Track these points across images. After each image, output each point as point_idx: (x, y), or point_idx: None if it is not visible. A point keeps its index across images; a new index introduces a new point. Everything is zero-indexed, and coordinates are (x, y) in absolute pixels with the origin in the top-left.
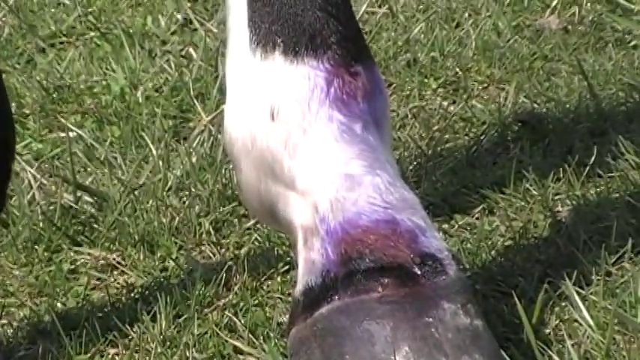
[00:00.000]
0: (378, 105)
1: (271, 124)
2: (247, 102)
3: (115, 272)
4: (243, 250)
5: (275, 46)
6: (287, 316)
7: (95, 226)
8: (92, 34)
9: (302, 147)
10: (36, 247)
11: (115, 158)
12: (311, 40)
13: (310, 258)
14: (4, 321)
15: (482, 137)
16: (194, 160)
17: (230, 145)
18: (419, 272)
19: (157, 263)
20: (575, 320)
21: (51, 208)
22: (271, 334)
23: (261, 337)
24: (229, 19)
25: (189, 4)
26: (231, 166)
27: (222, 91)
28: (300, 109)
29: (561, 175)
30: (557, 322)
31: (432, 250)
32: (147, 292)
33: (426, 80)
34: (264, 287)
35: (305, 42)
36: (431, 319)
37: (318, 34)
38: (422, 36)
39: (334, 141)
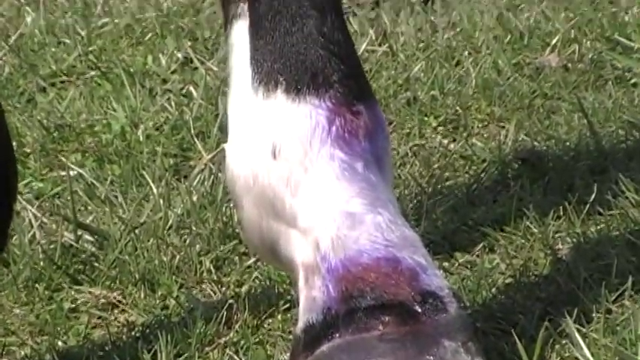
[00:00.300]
0: (380, 144)
1: (273, 162)
2: (249, 140)
3: (116, 311)
4: (243, 289)
5: (277, 85)
6: (288, 354)
7: (96, 264)
8: (93, 73)
9: (303, 185)
10: (37, 285)
11: (116, 197)
12: (313, 78)
13: (311, 295)
14: None
15: (482, 175)
16: (195, 198)
17: (232, 183)
18: (420, 310)
19: (157, 302)
20: (576, 358)
21: (51, 246)
22: None
23: None
24: (231, 57)
25: (189, 43)
26: (232, 204)
27: (222, 129)
28: (301, 148)
29: (561, 213)
30: (557, 359)
31: (433, 287)
32: (148, 330)
33: (426, 118)
34: (265, 325)
35: (307, 80)
36: (432, 357)
37: (320, 73)
38: (422, 74)
39: (335, 179)
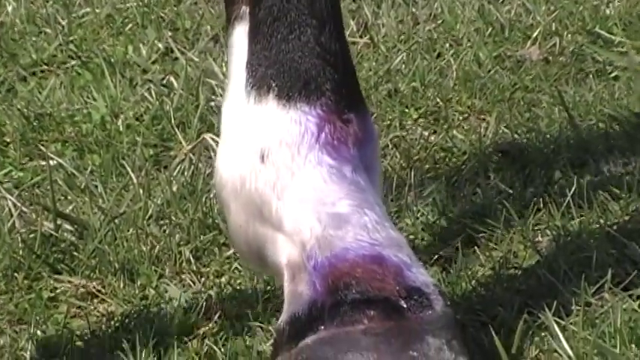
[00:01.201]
0: (369, 152)
1: (261, 166)
2: (239, 144)
3: (95, 300)
4: (223, 279)
5: (269, 90)
6: (267, 344)
7: (75, 254)
8: (73, 62)
9: (290, 189)
10: (16, 274)
11: (96, 186)
12: (305, 85)
13: (297, 291)
14: None
15: (462, 167)
16: (175, 188)
17: (220, 187)
18: (405, 306)
19: (137, 292)
20: (555, 351)
21: (31, 236)
22: None
23: None
24: (230, 59)
25: (170, 33)
26: (212, 195)
27: (203, 120)
28: (289, 153)
29: (541, 206)
30: (536, 352)
31: (419, 284)
32: (127, 320)
33: (406, 110)
34: (245, 316)
35: (299, 87)
36: (415, 353)
37: (313, 81)
38: (403, 66)
39: (323, 182)
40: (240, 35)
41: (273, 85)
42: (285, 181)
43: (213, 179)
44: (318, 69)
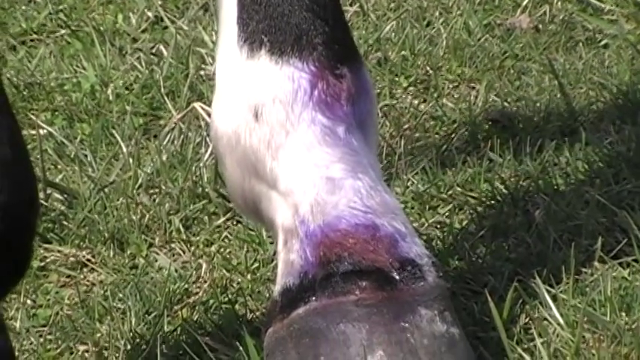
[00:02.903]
0: (364, 107)
1: (255, 123)
2: (233, 99)
3: (85, 270)
4: (213, 248)
5: (261, 45)
6: (257, 313)
7: (65, 223)
8: (63, 31)
9: (284, 149)
10: None
11: (86, 156)
12: (297, 40)
13: (289, 259)
14: None
15: (452, 136)
16: (164, 157)
17: (216, 140)
18: (397, 277)
19: (126, 261)
20: (545, 319)
21: None
22: (241, 332)
23: (231, 335)
24: (221, 12)
25: (160, 2)
26: (201, 164)
27: (192, 88)
28: (283, 111)
29: (531, 174)
30: (526, 320)
31: (412, 255)
32: (117, 289)
33: (396, 79)
34: (235, 285)
35: (291, 42)
36: (407, 325)
37: (304, 35)
38: (393, 34)
39: (317, 144)
40: None
41: (265, 40)
42: (279, 140)
43: (210, 131)
44: (308, 22)
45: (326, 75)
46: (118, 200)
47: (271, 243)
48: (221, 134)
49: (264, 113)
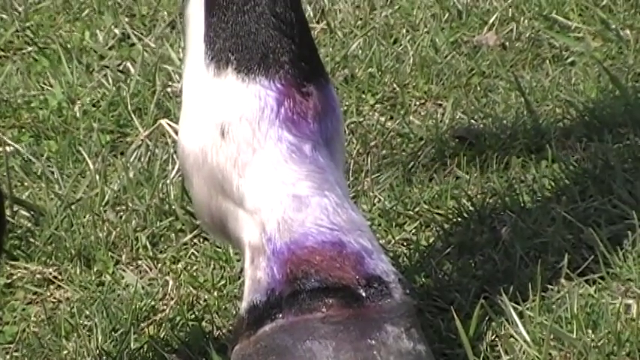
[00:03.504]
0: (330, 124)
1: (221, 141)
2: (200, 117)
3: (52, 287)
4: (179, 265)
5: (228, 63)
6: (224, 330)
7: (32, 240)
8: (30, 48)
9: (251, 166)
10: None
11: (52, 173)
12: (263, 58)
13: (256, 277)
14: None
15: (419, 153)
16: (131, 174)
17: (182, 158)
18: (364, 294)
19: (93, 278)
20: (512, 336)
21: None
22: (208, 349)
23: (198, 352)
24: (188, 29)
25: (127, 20)
26: (168, 181)
27: (159, 106)
28: (250, 129)
29: (498, 191)
30: (493, 337)
31: (378, 272)
32: (83, 306)
33: (363, 96)
34: (201, 302)
35: (257, 60)
36: (374, 342)
37: (271, 53)
38: (360, 52)
39: (283, 162)
40: (196, 6)
41: (232, 58)
42: (246, 158)
43: (177, 149)
44: (275, 41)
45: (292, 93)
46: (84, 217)
47: (238, 260)
48: (188, 152)
49: (231, 131)
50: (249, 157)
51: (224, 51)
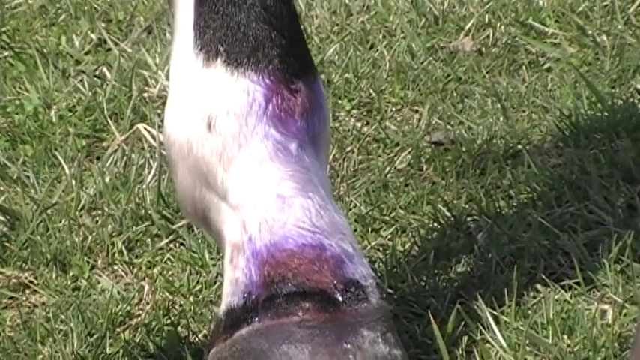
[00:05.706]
0: (317, 122)
1: (207, 134)
2: (186, 107)
3: (27, 291)
4: (155, 270)
5: (217, 55)
6: (199, 335)
7: (7, 245)
8: (6, 53)
9: (236, 162)
10: None
11: (28, 177)
12: (253, 52)
13: (235, 277)
14: None
15: (395, 159)
16: (107, 179)
17: (167, 145)
18: (340, 298)
19: (69, 282)
20: (488, 341)
21: None
22: (183, 354)
23: (174, 357)
24: (176, 16)
25: (103, 24)
26: (144, 186)
27: (135, 111)
28: (237, 123)
29: (474, 197)
30: (469, 342)
31: (357, 276)
32: (59, 310)
33: (339, 101)
34: (177, 307)
35: (247, 54)
36: (349, 346)
37: (261, 47)
38: (336, 57)
39: (269, 159)
40: None
41: (222, 50)
42: (231, 152)
43: (162, 136)
44: (265, 34)
45: (281, 89)
46: (60, 222)
47: (214, 265)
48: (173, 140)
49: (218, 124)
50: (234, 153)
51: (214, 42)
